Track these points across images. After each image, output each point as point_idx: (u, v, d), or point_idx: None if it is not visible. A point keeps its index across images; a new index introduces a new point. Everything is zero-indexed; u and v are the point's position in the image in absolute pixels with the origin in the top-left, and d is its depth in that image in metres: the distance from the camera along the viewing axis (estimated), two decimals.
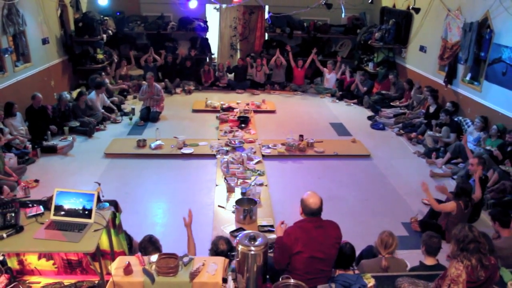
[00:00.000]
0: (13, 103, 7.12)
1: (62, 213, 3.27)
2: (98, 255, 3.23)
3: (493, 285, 2.91)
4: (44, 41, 9.10)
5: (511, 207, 5.29)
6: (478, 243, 2.82)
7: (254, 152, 7.18)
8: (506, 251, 3.86)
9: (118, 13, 11.81)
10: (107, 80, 10.01)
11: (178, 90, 11.15)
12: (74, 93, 9.44)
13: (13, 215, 3.18)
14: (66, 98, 8.32)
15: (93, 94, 8.73)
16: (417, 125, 8.39)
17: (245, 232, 3.34)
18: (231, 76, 12.00)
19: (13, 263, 3.64)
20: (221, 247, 3.59)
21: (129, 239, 3.97)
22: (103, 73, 10.00)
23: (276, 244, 3.46)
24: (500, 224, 4.08)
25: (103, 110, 8.83)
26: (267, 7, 12.44)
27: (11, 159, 6.25)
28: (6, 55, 7.55)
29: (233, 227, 4.90)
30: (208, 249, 3.78)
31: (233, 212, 5.19)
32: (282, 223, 3.67)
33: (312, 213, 3.26)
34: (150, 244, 3.58)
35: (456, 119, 7.82)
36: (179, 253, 3.20)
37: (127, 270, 3.01)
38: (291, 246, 3.18)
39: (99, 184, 3.69)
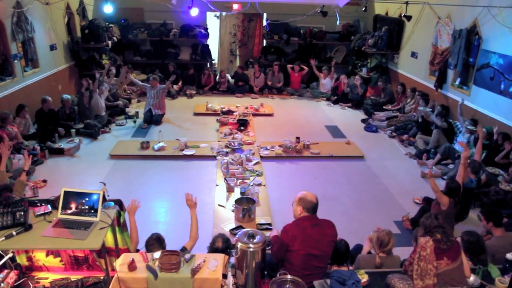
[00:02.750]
0: (24, 105, 7.19)
1: (69, 212, 3.28)
2: (104, 252, 3.24)
3: (458, 257, 2.98)
4: (52, 47, 9.12)
5: (500, 207, 5.34)
6: (443, 227, 2.97)
7: (253, 154, 7.19)
8: (500, 249, 3.85)
9: (122, 21, 11.82)
10: (113, 82, 10.06)
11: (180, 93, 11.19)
12: None
13: (22, 213, 3.20)
14: (67, 99, 8.23)
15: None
16: (408, 128, 8.42)
17: (244, 230, 3.35)
18: (231, 80, 12.04)
19: (22, 260, 3.65)
20: (217, 244, 3.61)
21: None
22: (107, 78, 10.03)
23: (273, 240, 3.48)
24: (494, 224, 4.06)
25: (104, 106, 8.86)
26: (265, 15, 12.48)
27: (20, 160, 6.25)
28: (16, 61, 7.56)
29: (233, 225, 4.91)
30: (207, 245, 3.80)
31: (233, 211, 5.20)
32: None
33: (314, 208, 3.28)
34: (155, 242, 3.58)
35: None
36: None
37: (131, 267, 3.02)
38: (288, 242, 3.20)
39: (105, 184, 3.72)
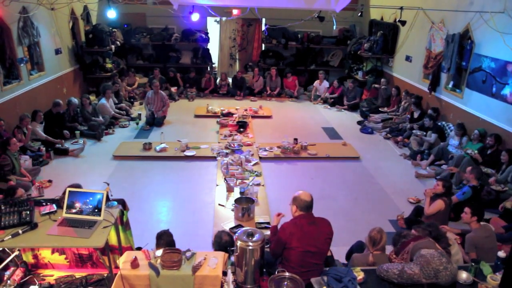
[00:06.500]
0: (39, 110, 7.28)
1: (74, 211, 3.29)
2: (107, 250, 3.25)
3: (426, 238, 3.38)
4: (57, 51, 9.12)
5: (492, 207, 5.38)
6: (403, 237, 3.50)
7: (252, 155, 7.19)
8: (479, 240, 3.98)
9: (125, 26, 11.84)
10: (117, 84, 10.07)
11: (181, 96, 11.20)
12: None
13: (28, 213, 3.21)
14: (74, 103, 8.28)
15: (103, 100, 8.74)
16: (403, 130, 8.43)
17: (243, 228, 3.36)
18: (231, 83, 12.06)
19: (28, 258, 3.66)
20: (225, 239, 3.64)
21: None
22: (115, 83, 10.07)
23: (271, 232, 3.49)
24: (477, 219, 4.15)
25: (113, 112, 8.91)
26: (264, 20, 12.51)
27: (26, 161, 6.26)
28: (22, 65, 7.56)
29: (232, 224, 4.91)
30: (210, 243, 3.79)
31: (232, 210, 5.21)
32: (279, 215, 3.68)
33: (307, 207, 3.27)
34: (165, 237, 3.59)
35: (439, 123, 7.86)
36: (182, 248, 3.22)
37: (134, 264, 3.03)
38: (285, 239, 3.21)
39: (108, 184, 3.71)
